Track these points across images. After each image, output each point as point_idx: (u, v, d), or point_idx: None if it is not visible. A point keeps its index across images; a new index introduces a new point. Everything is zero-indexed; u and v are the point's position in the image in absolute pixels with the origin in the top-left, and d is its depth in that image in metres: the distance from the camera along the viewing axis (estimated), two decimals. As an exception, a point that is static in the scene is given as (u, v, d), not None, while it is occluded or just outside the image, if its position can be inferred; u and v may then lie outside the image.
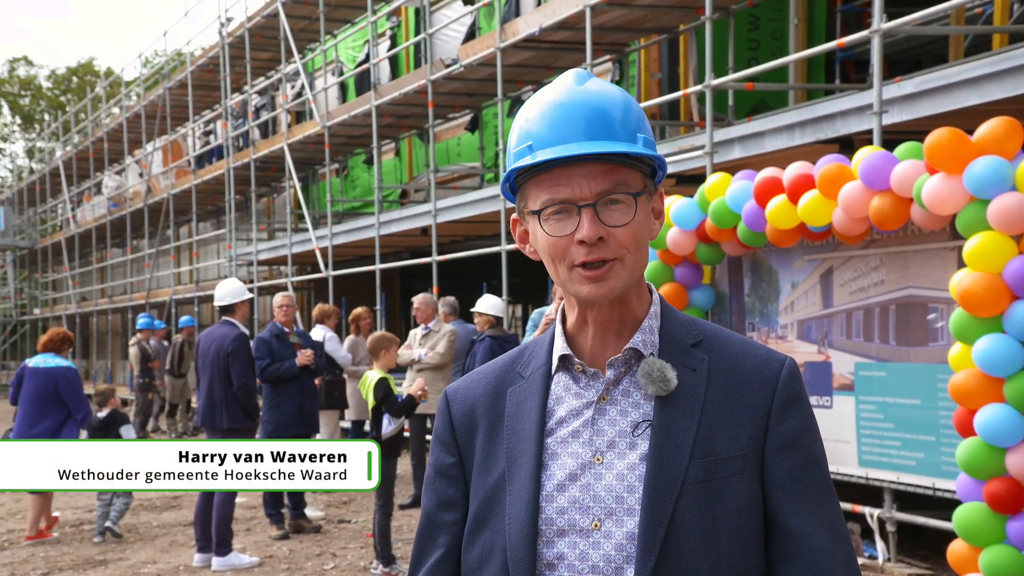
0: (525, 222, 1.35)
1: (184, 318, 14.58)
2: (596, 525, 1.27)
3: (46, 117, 38.18)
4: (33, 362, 7.47)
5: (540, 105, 1.31)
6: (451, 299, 8.66)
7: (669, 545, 1.24)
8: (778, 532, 1.28)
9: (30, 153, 42.54)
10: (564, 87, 1.32)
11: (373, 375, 5.91)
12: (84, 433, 7.32)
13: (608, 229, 1.27)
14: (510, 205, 10.05)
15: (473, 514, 1.35)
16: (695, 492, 1.25)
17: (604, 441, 1.30)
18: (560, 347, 1.35)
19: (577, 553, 1.27)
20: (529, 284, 12.62)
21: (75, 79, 42.09)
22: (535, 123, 1.30)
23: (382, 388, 5.80)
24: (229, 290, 6.79)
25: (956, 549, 4.49)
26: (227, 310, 6.74)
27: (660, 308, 1.37)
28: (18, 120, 44.07)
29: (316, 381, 7.70)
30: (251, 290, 15.36)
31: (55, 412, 7.17)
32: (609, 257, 1.27)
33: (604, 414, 1.31)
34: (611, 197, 1.27)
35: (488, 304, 7.74)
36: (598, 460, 1.29)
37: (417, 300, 8.35)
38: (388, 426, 5.86)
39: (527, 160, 1.28)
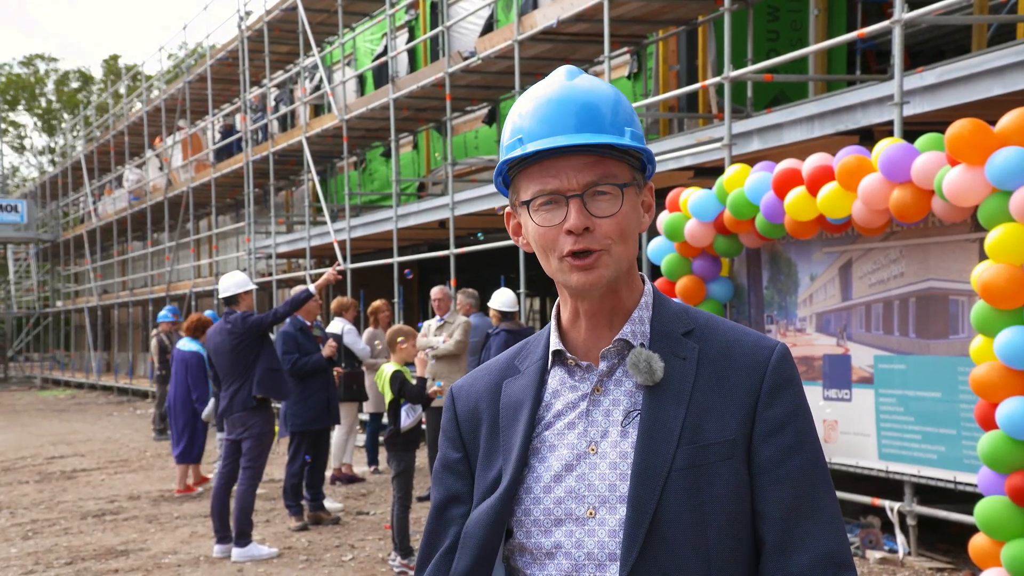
0: (517, 215, 1.37)
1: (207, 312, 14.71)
2: (591, 513, 1.29)
3: (64, 116, 38.41)
4: (179, 344, 9.05)
5: (531, 100, 1.34)
6: (472, 291, 8.67)
7: (655, 531, 1.25)
8: (762, 517, 1.28)
9: (50, 150, 42.83)
10: (555, 83, 1.34)
11: (389, 368, 5.97)
12: (207, 409, 8.65)
13: (595, 220, 1.29)
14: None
15: (475, 508, 1.37)
16: (682, 478, 1.26)
17: (598, 431, 1.32)
18: (554, 342, 1.37)
19: (573, 541, 1.29)
20: (547, 277, 12.61)
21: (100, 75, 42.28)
22: (526, 118, 1.33)
23: (398, 380, 5.84)
24: (233, 281, 6.69)
25: (978, 543, 4.46)
26: (231, 301, 6.65)
27: (652, 298, 1.38)
28: (37, 122, 44.29)
29: (335, 371, 7.75)
30: (269, 283, 15.46)
31: (194, 390, 8.76)
32: (595, 248, 1.29)
33: (598, 405, 1.33)
34: (598, 188, 1.29)
35: (499, 300, 7.75)
36: (592, 450, 1.31)
37: (435, 292, 8.38)
38: (406, 419, 5.89)
39: (517, 152, 1.31)
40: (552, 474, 1.32)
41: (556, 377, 1.37)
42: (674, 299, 1.50)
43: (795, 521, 1.27)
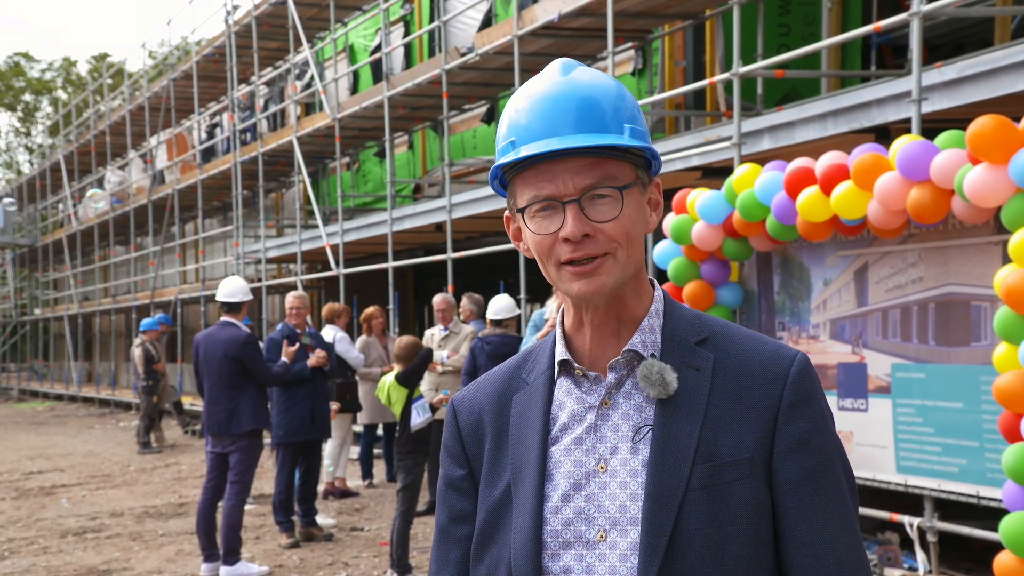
0: (516, 220, 1.31)
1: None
2: (602, 536, 1.24)
3: (47, 110, 37.97)
4: None
5: (525, 98, 1.28)
6: (478, 297, 8.44)
7: (672, 555, 1.20)
8: (783, 539, 1.24)
9: (28, 150, 42.34)
10: (550, 78, 1.29)
11: (390, 377, 5.93)
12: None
13: (595, 225, 1.23)
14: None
15: (480, 528, 1.31)
16: (699, 498, 1.21)
17: (607, 448, 1.26)
18: (560, 351, 1.32)
19: (583, 566, 1.24)
20: (548, 283, 12.42)
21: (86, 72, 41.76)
22: (520, 116, 1.28)
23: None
24: (238, 287, 6.62)
25: (1003, 561, 4.31)
26: (233, 308, 6.55)
27: (663, 305, 1.32)
28: (16, 119, 43.74)
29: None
30: (259, 289, 15.20)
31: None
32: (598, 253, 1.24)
33: (607, 419, 1.28)
34: (596, 192, 1.24)
35: (491, 308, 7.52)
36: (602, 468, 1.26)
37: (439, 301, 8.15)
38: (417, 418, 5.79)
39: (510, 156, 1.26)
40: (560, 494, 1.26)
41: (562, 388, 1.32)
42: (685, 305, 1.46)
43: (827, 544, 1.23)
